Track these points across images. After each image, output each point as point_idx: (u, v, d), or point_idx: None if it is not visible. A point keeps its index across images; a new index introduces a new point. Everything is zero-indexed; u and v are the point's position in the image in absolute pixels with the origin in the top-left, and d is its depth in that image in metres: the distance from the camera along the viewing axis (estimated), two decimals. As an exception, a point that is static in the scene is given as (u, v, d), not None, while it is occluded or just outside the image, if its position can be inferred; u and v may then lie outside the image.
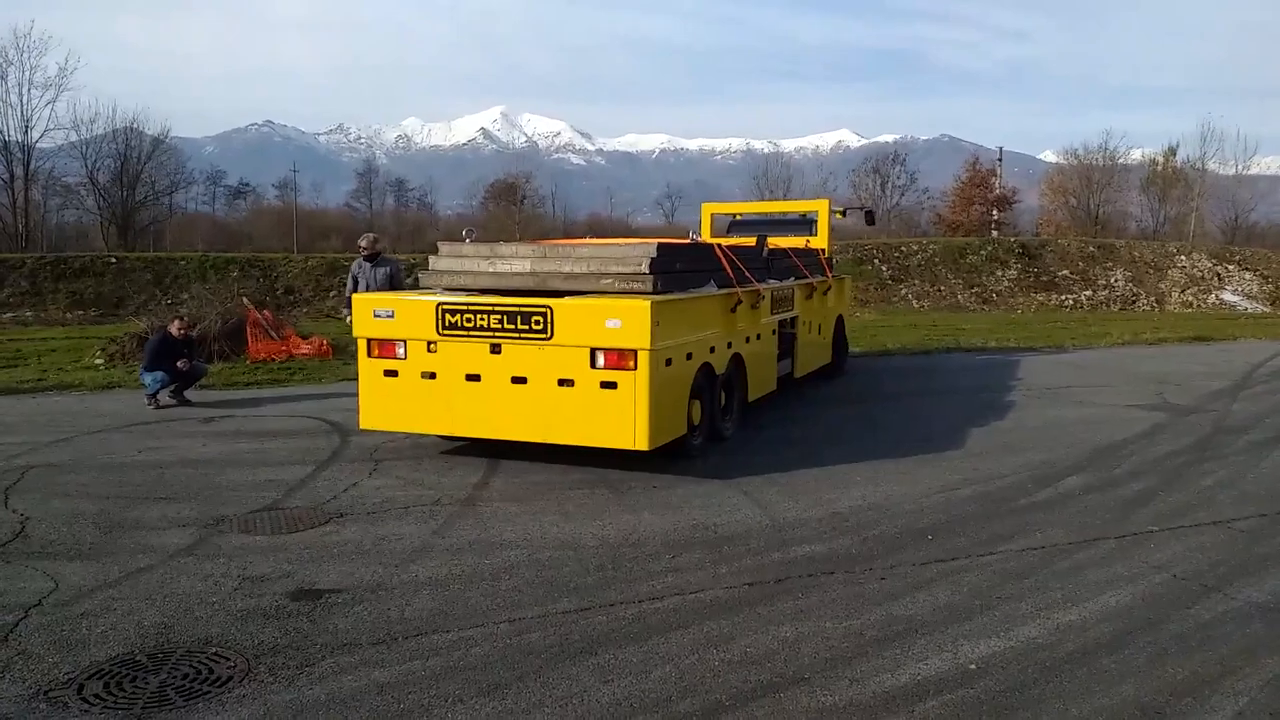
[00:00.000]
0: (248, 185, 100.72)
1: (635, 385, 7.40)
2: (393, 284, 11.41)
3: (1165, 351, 19.19)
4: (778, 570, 5.86)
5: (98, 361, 15.82)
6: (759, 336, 10.28)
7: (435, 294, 8.36)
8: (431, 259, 8.85)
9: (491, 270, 8.40)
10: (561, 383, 7.61)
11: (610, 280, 7.93)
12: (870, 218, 16.78)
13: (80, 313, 26.00)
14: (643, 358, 7.38)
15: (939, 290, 32.89)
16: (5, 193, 43.41)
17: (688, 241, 9.73)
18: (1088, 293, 33.73)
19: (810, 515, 7.05)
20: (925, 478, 8.20)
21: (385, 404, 8.32)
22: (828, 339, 13.79)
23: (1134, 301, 33.47)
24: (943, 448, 9.50)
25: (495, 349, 7.80)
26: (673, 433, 7.99)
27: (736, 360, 9.47)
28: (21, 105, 42.73)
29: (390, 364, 8.23)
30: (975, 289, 33.21)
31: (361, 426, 8.48)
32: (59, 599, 5.31)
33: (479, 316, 7.81)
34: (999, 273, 34.16)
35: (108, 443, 9.53)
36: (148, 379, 11.64)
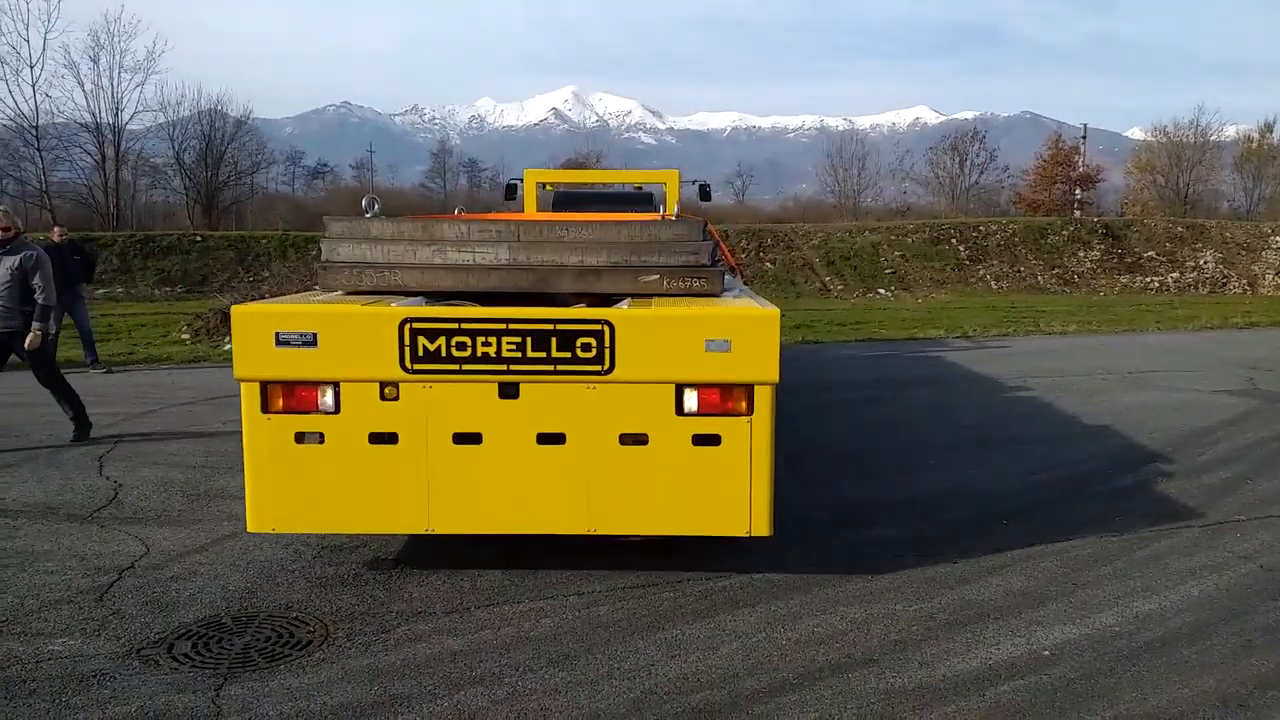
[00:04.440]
0: (325, 165, 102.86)
1: (752, 437, 4.98)
2: (24, 286, 8.23)
3: (1257, 336, 18.44)
4: (847, 552, 5.82)
5: (184, 336, 16.39)
6: None
7: (388, 302, 5.19)
8: (324, 244, 5.66)
9: (443, 262, 5.47)
10: (626, 440, 5.02)
11: (655, 277, 5.44)
12: (705, 193, 13.96)
13: (167, 289, 26.89)
14: (762, 396, 4.96)
15: (1018, 271, 32.06)
16: (97, 173, 44.96)
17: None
18: (1175, 275, 32.55)
19: (882, 499, 6.99)
20: (1001, 463, 8.05)
21: (297, 489, 5.07)
22: None
23: (1224, 284, 32.20)
24: (1020, 432, 9.31)
25: (508, 391, 4.98)
26: None
27: None
28: (112, 88, 44.05)
29: (309, 422, 5.02)
30: (1056, 270, 32.28)
31: (251, 528, 5.16)
32: (150, 562, 5.55)
33: (480, 340, 4.92)
34: (1081, 254, 33.15)
35: (194, 414, 9.87)
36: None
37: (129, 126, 45.79)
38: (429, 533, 5.19)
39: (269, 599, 5.02)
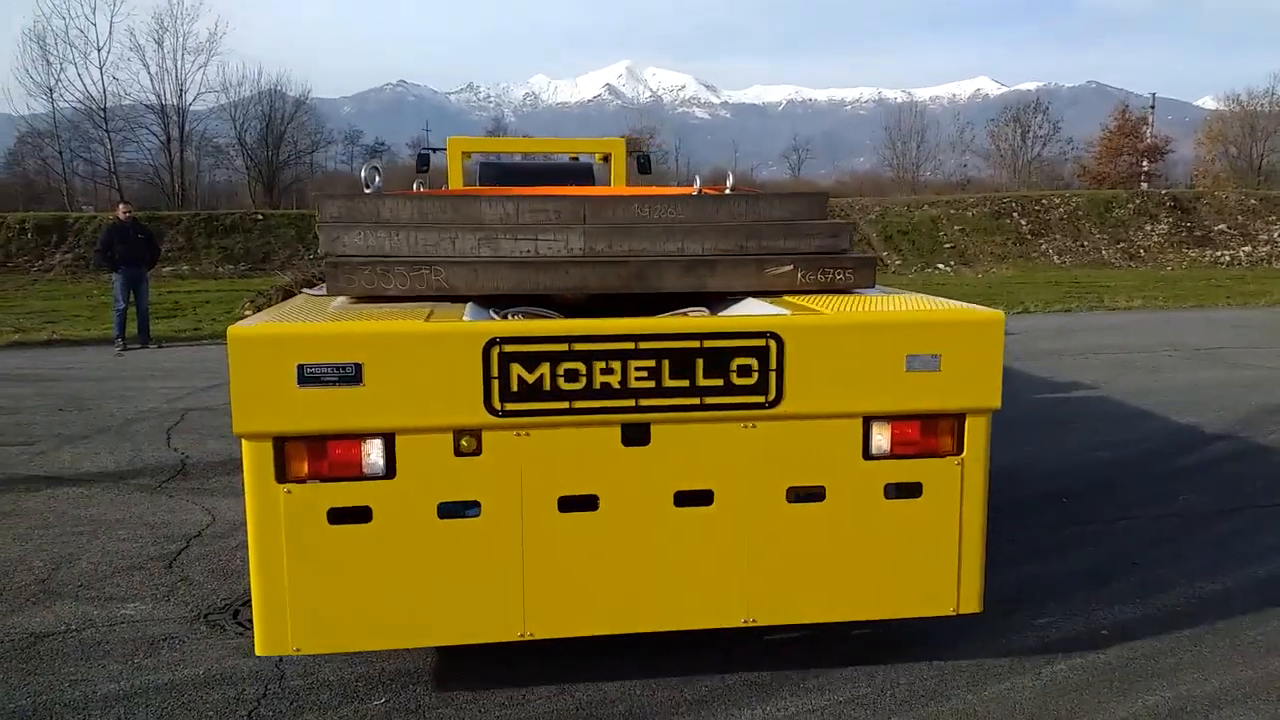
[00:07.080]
0: (383, 144, 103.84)
1: (963, 485, 3.88)
2: None
3: (1333, 311, 17.83)
4: (901, 528, 5.78)
5: (247, 312, 16.78)
6: None
7: (459, 314, 3.71)
8: (323, 233, 4.18)
9: (495, 255, 4.08)
10: (796, 496, 3.74)
11: (788, 269, 4.14)
12: (643, 165, 11.80)
13: (230, 267, 27.52)
14: (976, 429, 3.84)
15: (1082, 246, 31.32)
16: (163, 154, 46.11)
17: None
18: (1247, 249, 31.53)
19: (936, 474, 6.92)
20: (1060, 440, 7.91)
21: (330, 591, 3.53)
22: None
23: (1300, 258, 31.13)
24: (1081, 409, 9.14)
25: (635, 436, 3.60)
26: None
27: None
28: (176, 70, 45.14)
29: (348, 492, 3.48)
30: (1121, 244, 31.48)
31: (261, 652, 3.58)
32: (216, 531, 5.73)
33: (599, 365, 3.51)
34: (1148, 227, 32.27)
35: (257, 389, 10.12)
36: (118, 292, 13.60)
37: (192, 108, 46.94)
38: (525, 639, 3.68)
39: (329, 568, 5.15)
